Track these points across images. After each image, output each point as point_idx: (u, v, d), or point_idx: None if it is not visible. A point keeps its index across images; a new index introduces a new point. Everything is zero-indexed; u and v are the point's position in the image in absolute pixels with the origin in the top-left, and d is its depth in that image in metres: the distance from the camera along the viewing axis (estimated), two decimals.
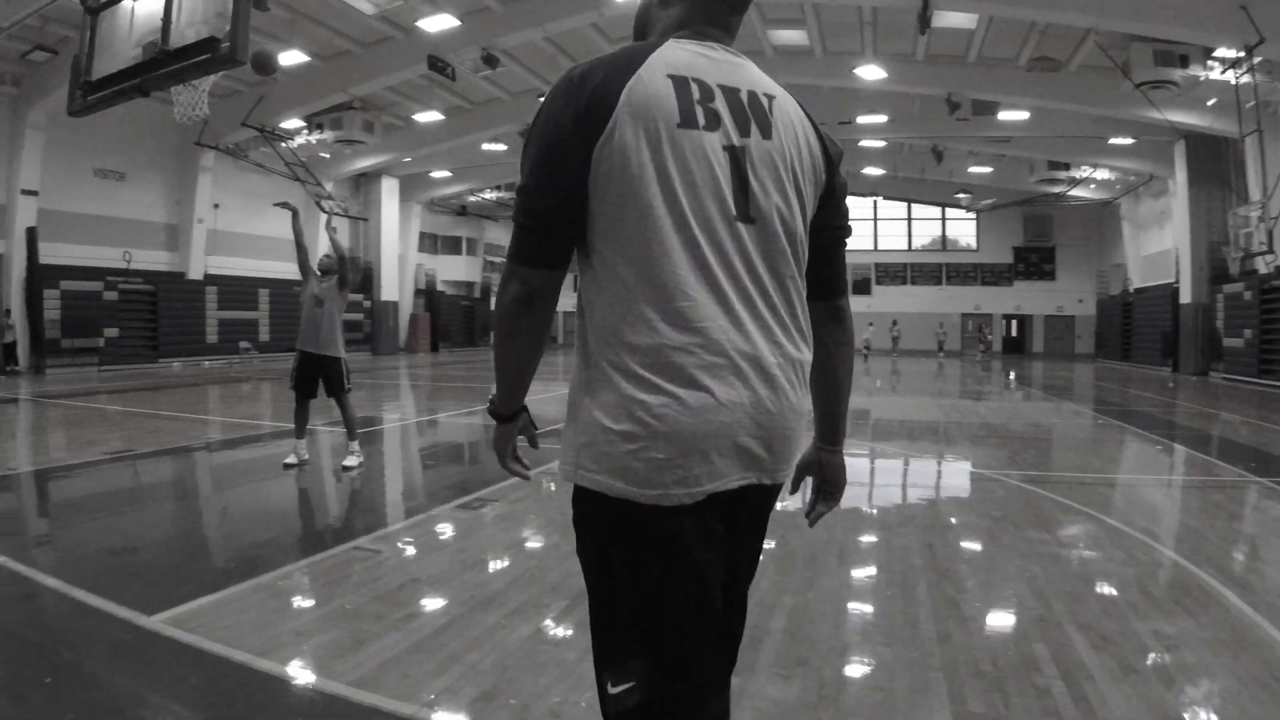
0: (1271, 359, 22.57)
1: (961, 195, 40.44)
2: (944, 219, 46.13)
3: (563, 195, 1.56)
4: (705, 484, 1.52)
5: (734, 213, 1.59)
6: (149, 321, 25.64)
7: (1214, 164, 26.70)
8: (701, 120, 1.58)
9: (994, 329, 44.32)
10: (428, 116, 28.08)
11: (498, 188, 39.73)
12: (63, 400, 14.96)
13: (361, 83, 23.58)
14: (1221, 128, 23.19)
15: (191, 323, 27.44)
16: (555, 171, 1.56)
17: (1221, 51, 19.68)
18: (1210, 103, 22.44)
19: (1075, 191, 36.48)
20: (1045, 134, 28.11)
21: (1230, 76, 20.17)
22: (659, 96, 1.56)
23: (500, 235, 47.61)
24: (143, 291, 25.63)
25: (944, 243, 46.56)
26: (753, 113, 1.66)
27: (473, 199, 41.31)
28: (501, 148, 31.39)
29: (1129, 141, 28.65)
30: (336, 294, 7.79)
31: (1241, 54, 18.68)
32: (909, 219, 46.46)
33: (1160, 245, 33.38)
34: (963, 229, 46.24)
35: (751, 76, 1.73)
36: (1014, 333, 45.65)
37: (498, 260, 47.50)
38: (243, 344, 28.79)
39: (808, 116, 1.80)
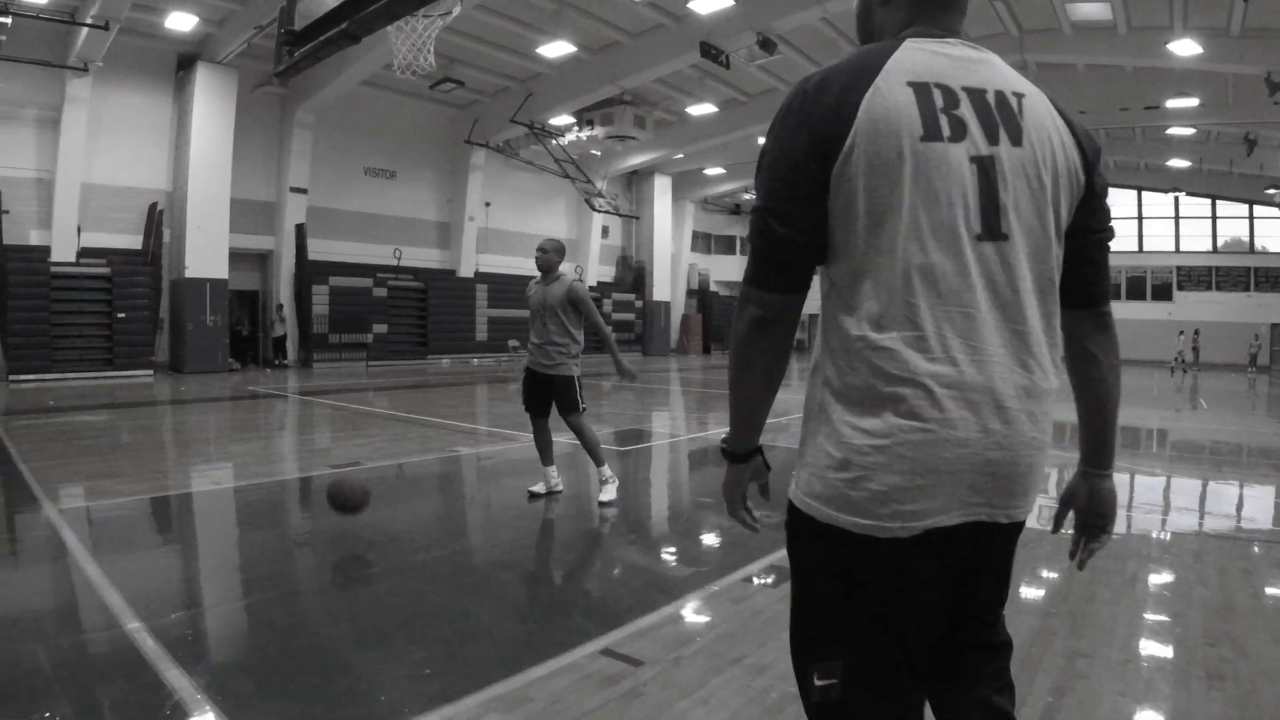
0: None
1: (1273, 190, 34.91)
2: (1251, 217, 39.52)
3: (801, 221, 1.49)
4: (924, 520, 1.45)
5: (980, 230, 1.48)
6: (418, 318, 25.93)
7: None
8: (946, 131, 1.47)
9: None
10: (700, 110, 26.65)
11: None
12: (326, 398, 14.67)
13: (631, 74, 22.39)
14: None
15: (461, 320, 27.57)
16: (792, 196, 1.49)
17: None
18: None
19: None
20: None
21: None
22: (899, 109, 1.45)
23: None
24: (412, 288, 25.97)
25: (1251, 244, 39.88)
26: (1001, 117, 1.53)
27: (747, 197, 39.73)
28: None
29: None
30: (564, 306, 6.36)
31: None
32: (1213, 217, 40.14)
33: None
34: (1270, 229, 39.48)
35: (997, 74, 1.58)
36: None
37: None
38: (511, 342, 28.49)
39: (1061, 113, 1.62)
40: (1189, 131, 29.07)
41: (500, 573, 4.80)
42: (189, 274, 19.98)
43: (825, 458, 1.50)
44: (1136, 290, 40.24)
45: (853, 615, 1.53)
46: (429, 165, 27.48)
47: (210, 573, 4.81)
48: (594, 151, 29.38)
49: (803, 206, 1.47)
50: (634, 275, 35.59)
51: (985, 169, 1.48)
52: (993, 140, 1.50)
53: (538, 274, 6.37)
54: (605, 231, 34.49)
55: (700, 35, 19.87)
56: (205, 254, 20.20)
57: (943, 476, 1.45)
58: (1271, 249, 39.52)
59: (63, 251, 18.31)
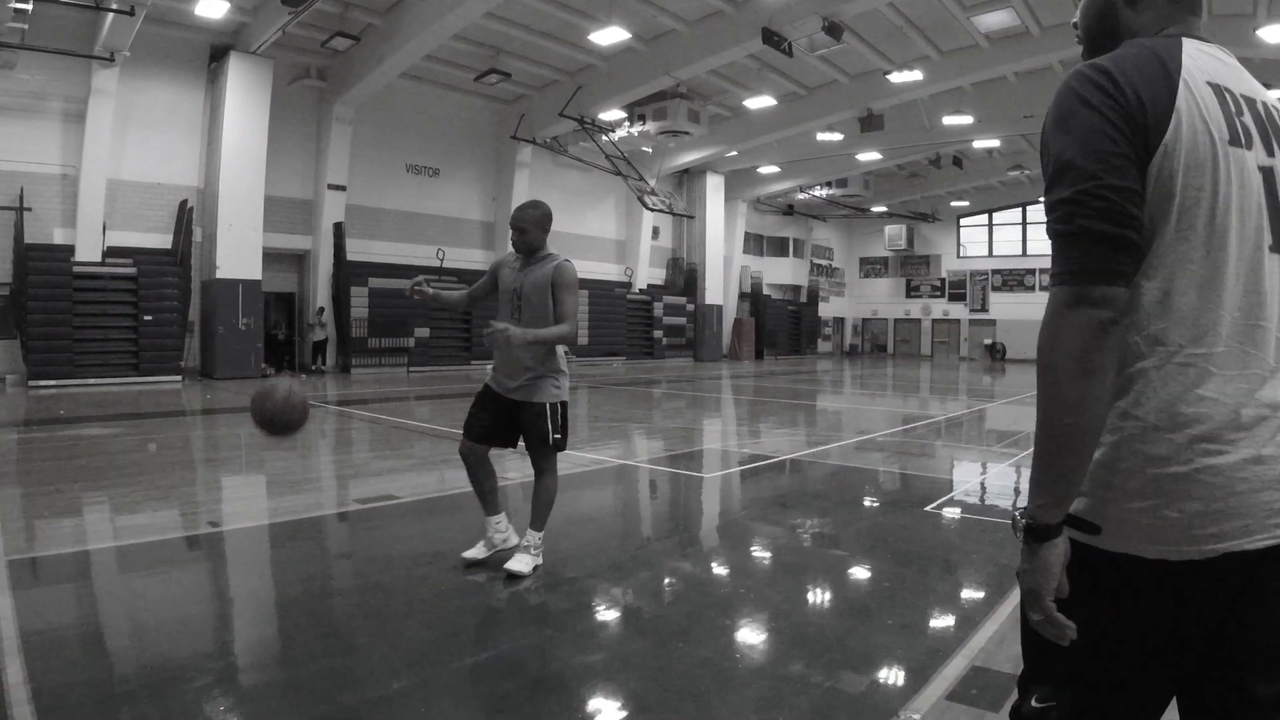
0: None
1: None
2: None
3: (1131, 202, 1.32)
4: (1223, 543, 1.33)
5: (1272, 241, 1.41)
6: (462, 322, 24.71)
7: None
8: (1243, 137, 1.40)
9: None
10: (757, 103, 25.20)
11: (829, 184, 36.51)
12: (363, 408, 13.49)
13: (687, 65, 21.17)
14: None
15: None
16: (1111, 168, 1.32)
17: None
18: None
19: None
20: None
21: None
22: (1209, 108, 1.38)
23: (828, 235, 44.36)
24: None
25: None
26: (1271, 128, 1.46)
27: (800, 196, 38.27)
28: (837, 137, 27.96)
29: None
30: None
31: None
32: None
33: None
34: None
35: (1255, 83, 1.51)
36: None
37: (823, 263, 44.29)
38: (560, 347, 27.43)
39: None
40: None
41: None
42: (220, 274, 18.97)
43: (1114, 475, 1.37)
44: None
45: (1106, 644, 1.39)
46: (473, 162, 26.31)
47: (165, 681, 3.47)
48: (645, 148, 28.06)
49: (1129, 189, 1.31)
50: (685, 278, 34.25)
51: (1269, 179, 1.41)
52: (1270, 151, 1.43)
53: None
54: (656, 232, 33.15)
55: (762, 21, 18.67)
56: (238, 254, 19.18)
57: (1245, 499, 1.33)
58: None
59: (87, 251, 17.33)
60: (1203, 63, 1.41)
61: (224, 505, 6.46)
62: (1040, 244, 40.37)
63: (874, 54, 22.16)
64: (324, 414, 12.82)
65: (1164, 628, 1.37)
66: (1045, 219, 1.40)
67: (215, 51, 19.59)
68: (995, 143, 29.41)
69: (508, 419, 4.62)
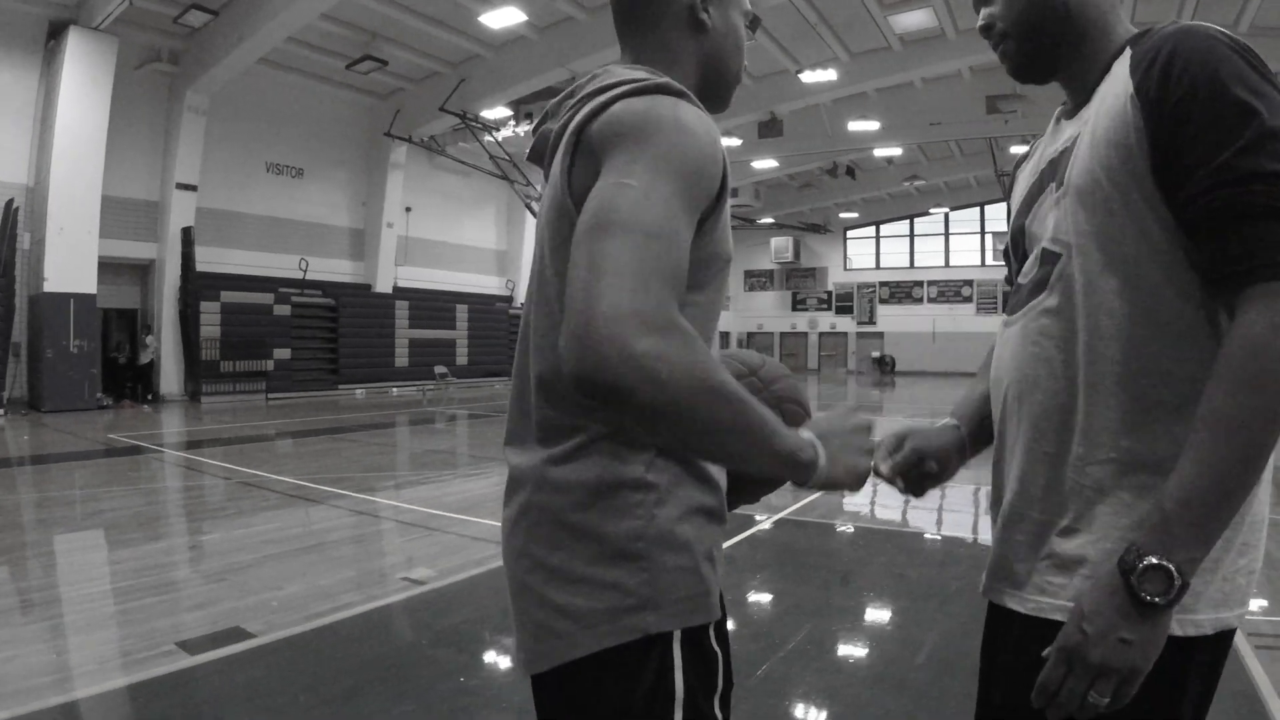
0: None
1: None
2: None
3: None
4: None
5: None
6: (328, 341, 22.07)
7: None
8: None
9: None
10: None
11: None
12: (210, 452, 10.74)
13: (585, 57, 19.19)
14: None
15: (378, 343, 23.69)
16: None
17: None
18: None
19: None
20: None
21: None
22: None
23: None
24: (321, 305, 22.06)
25: None
26: None
27: None
28: (735, 143, 26.54)
29: None
30: None
31: None
32: None
33: None
34: None
35: None
36: None
37: None
38: (438, 369, 25.00)
39: None
40: None
41: None
42: (49, 288, 15.88)
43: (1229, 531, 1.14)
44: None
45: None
46: (343, 163, 23.54)
47: None
48: None
49: None
50: None
51: None
52: None
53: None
54: None
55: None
56: (69, 262, 16.13)
57: None
58: None
59: None
60: None
61: None
62: (927, 256, 40.23)
63: (782, 53, 20.91)
64: (155, 465, 10.17)
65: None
66: (1218, 192, 1.08)
67: (54, 28, 16.53)
68: (897, 151, 28.73)
69: None
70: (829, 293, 42.64)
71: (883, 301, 41.21)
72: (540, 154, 1.33)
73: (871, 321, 41.33)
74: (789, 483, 1.17)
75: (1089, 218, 1.19)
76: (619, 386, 0.94)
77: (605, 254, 0.99)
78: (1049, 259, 1.25)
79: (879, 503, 7.76)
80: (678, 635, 1.16)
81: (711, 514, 1.22)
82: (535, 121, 1.37)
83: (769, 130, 24.22)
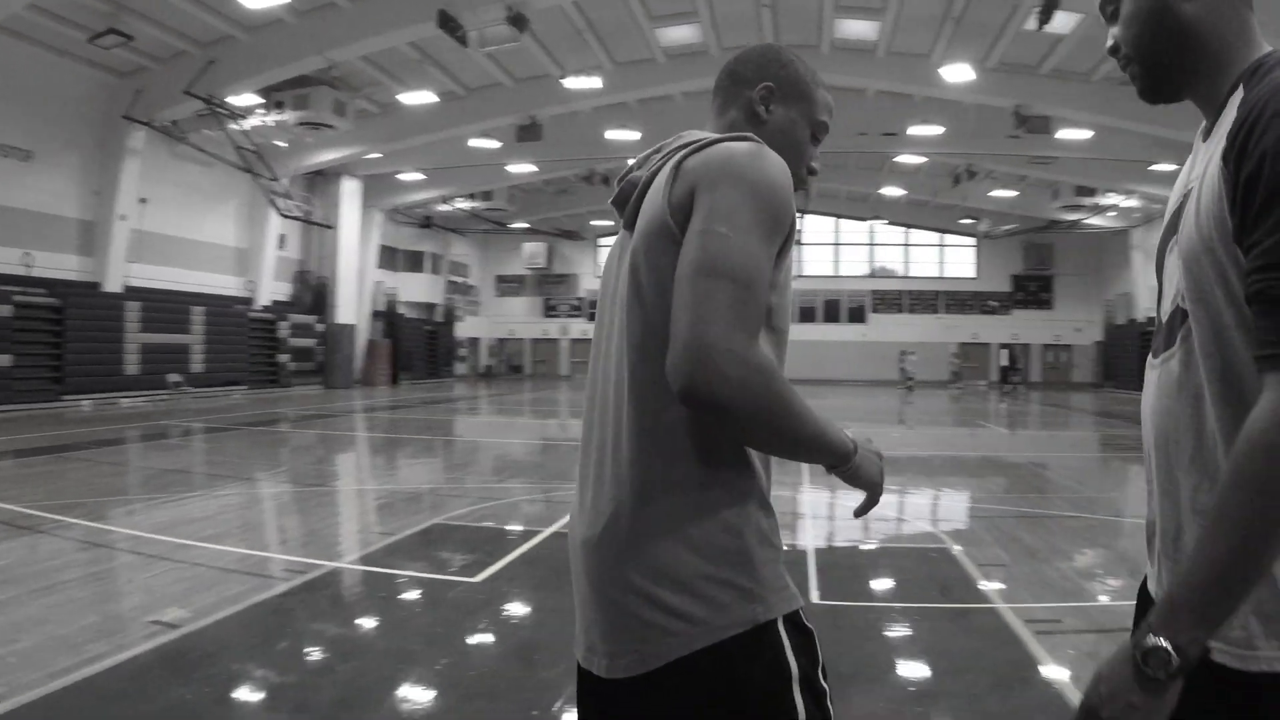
0: None
1: (966, 220, 39.99)
2: (942, 245, 44.74)
3: None
4: None
5: None
6: (52, 346, 19.82)
7: None
8: None
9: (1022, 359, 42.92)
10: (415, 99, 22.98)
11: (473, 196, 34.77)
12: None
13: (345, 44, 18.56)
14: None
15: (107, 348, 21.48)
16: None
17: None
18: None
19: (1092, 220, 36.98)
20: (1097, 155, 26.88)
21: None
22: None
23: (466, 250, 42.80)
24: (44, 306, 19.66)
25: (941, 269, 45.11)
26: None
27: (442, 208, 36.30)
28: (493, 145, 26.37)
29: (1173, 168, 26.56)
30: None
31: None
32: (906, 245, 44.77)
33: None
34: (961, 256, 44.94)
35: None
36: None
37: (460, 280, 42.52)
38: (171, 377, 23.06)
39: None
40: (919, 160, 30.67)
41: None
42: None
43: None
44: (832, 313, 43.78)
45: None
46: (75, 146, 20.99)
47: None
48: (279, 142, 24.49)
49: None
50: (314, 294, 30.79)
51: None
52: None
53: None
54: (282, 241, 29.00)
55: (439, 2, 16.69)
56: None
57: None
58: (960, 275, 44.35)
59: None
60: None
61: None
62: None
63: (547, 57, 21.10)
64: None
65: None
66: (1261, 275, 1.09)
67: None
68: None
69: None
70: (580, 299, 43.26)
71: None
72: (624, 200, 1.57)
73: None
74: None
75: (1193, 288, 1.23)
76: (718, 404, 1.23)
77: (707, 297, 1.25)
78: (1178, 316, 1.29)
79: None
80: (781, 621, 1.37)
81: (770, 510, 1.46)
82: (621, 174, 1.62)
83: (528, 134, 24.31)
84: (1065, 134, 24.36)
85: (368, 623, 4.87)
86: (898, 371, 39.29)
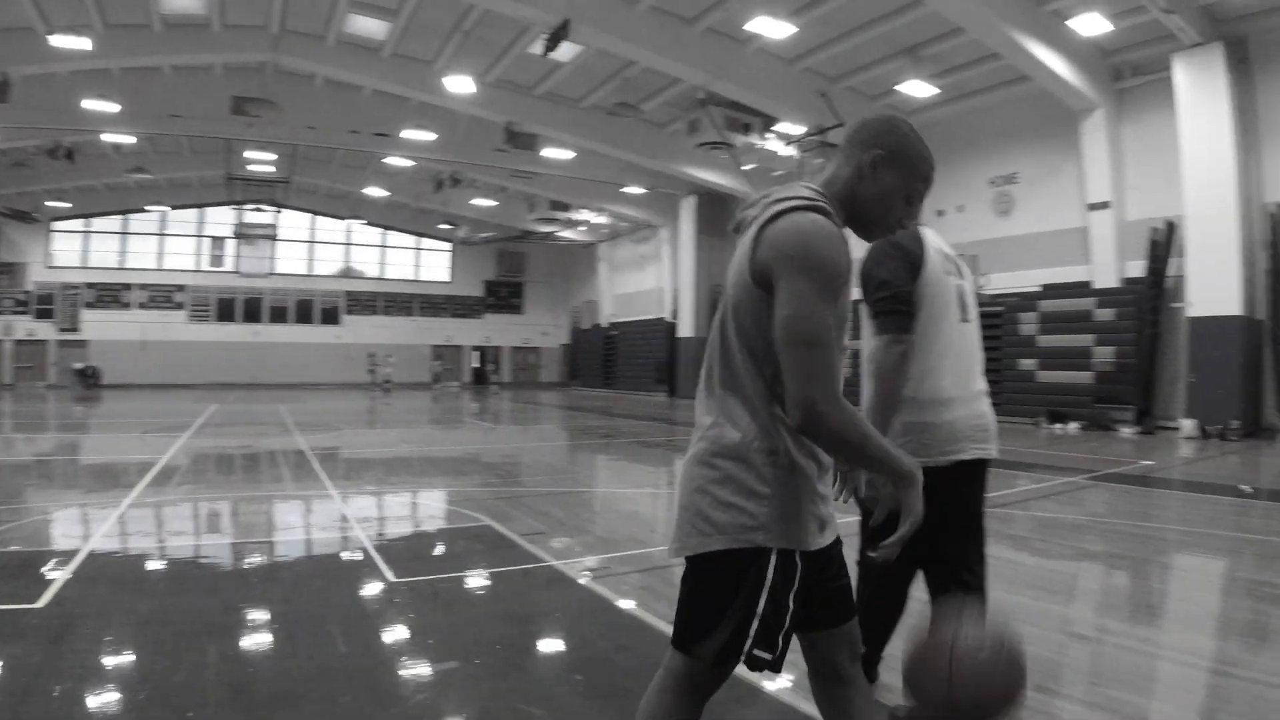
0: None
1: (445, 225, 41.01)
2: (419, 249, 45.88)
3: None
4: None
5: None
6: None
7: (721, 218, 30.04)
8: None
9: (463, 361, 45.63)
10: None
11: None
12: None
13: None
14: (736, 187, 27.41)
15: None
16: None
17: (783, 127, 22.04)
18: (747, 168, 24.91)
19: (564, 233, 40.21)
20: (576, 175, 29.46)
21: (780, 147, 22.81)
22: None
23: None
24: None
25: (417, 272, 46.21)
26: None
27: None
28: None
29: (641, 191, 31.51)
30: None
31: (803, 130, 21.75)
32: (383, 246, 45.17)
33: (638, 285, 38.73)
34: (437, 260, 46.40)
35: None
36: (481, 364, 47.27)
37: None
38: None
39: None
40: (407, 163, 30.99)
41: None
42: None
43: None
44: (305, 314, 42.13)
45: None
46: None
47: None
48: None
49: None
50: None
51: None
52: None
53: None
54: None
55: None
56: None
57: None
58: (436, 279, 45.42)
59: None
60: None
61: None
62: (140, 257, 38.46)
63: (33, 7, 18.53)
64: None
65: None
66: None
67: None
68: (131, 139, 26.86)
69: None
70: (28, 293, 37.33)
71: (89, 306, 37.65)
72: (739, 228, 2.03)
73: (75, 328, 37.35)
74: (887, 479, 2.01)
75: None
76: (820, 437, 1.86)
77: (805, 362, 1.80)
78: None
79: None
80: (775, 550, 1.93)
81: (812, 479, 1.99)
82: (740, 210, 2.08)
83: None
84: (550, 152, 26.59)
85: None
86: (366, 374, 40.01)
